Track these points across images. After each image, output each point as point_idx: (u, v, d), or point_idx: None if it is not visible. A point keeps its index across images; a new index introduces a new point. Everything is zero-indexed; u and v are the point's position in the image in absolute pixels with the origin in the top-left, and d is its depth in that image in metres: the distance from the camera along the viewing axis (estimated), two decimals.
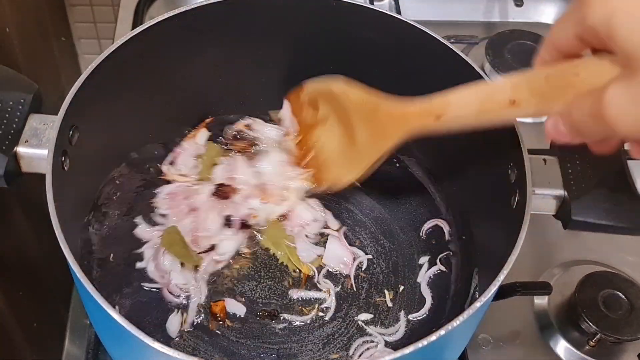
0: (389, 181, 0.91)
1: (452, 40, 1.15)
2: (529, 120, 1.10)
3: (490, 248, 0.74)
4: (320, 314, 0.79)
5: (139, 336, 0.53)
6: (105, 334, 0.68)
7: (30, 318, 0.96)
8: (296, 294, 0.80)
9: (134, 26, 1.14)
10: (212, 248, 0.81)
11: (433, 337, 0.56)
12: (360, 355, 0.75)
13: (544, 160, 0.73)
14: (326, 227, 0.86)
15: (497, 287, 0.60)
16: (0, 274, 0.88)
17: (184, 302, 0.78)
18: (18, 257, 0.94)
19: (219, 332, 0.77)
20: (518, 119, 0.70)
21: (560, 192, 0.71)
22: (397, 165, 0.93)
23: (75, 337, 0.91)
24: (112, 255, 0.80)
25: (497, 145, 0.72)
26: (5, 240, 0.90)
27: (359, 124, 0.73)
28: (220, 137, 0.91)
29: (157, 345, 0.53)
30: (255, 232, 0.84)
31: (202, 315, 0.77)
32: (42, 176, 0.62)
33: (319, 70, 0.88)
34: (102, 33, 1.39)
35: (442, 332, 0.56)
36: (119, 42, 0.72)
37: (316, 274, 0.82)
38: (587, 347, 0.86)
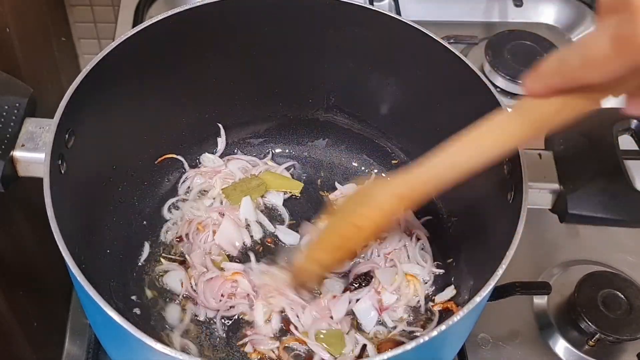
0: None
1: (451, 41, 1.15)
2: None
3: (489, 244, 0.74)
4: None
5: (142, 338, 0.53)
6: (106, 336, 0.68)
7: (30, 318, 0.96)
8: None
9: (135, 26, 1.14)
10: None
11: (434, 333, 0.56)
12: None
13: (539, 154, 0.73)
14: None
15: (496, 280, 0.60)
16: (0, 274, 0.88)
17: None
18: (18, 257, 0.94)
19: None
20: None
21: (556, 186, 0.71)
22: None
23: (76, 337, 0.91)
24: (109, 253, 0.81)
25: None
26: (5, 240, 0.90)
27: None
28: None
29: (159, 346, 0.53)
30: None
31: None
32: (41, 178, 0.62)
33: (317, 70, 0.88)
34: (102, 33, 1.39)
35: (442, 327, 0.57)
36: (113, 44, 0.72)
37: None
38: (586, 347, 0.86)
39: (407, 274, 0.84)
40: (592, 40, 0.45)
